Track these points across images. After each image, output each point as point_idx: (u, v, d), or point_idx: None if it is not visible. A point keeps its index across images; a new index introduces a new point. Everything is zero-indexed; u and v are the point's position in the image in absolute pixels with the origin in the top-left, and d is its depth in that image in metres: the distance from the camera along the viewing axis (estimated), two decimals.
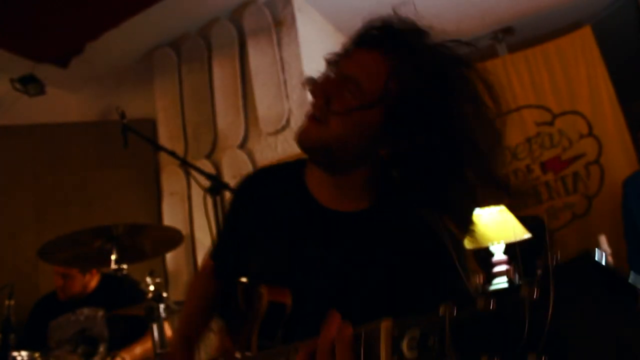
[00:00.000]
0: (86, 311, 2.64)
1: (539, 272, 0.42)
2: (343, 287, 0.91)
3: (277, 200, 1.05)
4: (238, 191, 1.16)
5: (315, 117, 0.94)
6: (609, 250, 2.75)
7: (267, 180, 1.11)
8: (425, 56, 0.90)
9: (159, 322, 2.16)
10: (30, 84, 3.71)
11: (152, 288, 2.47)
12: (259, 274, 1.01)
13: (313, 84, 0.96)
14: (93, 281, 2.78)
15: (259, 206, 1.07)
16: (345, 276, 0.92)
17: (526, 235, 2.70)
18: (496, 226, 2.71)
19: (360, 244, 0.93)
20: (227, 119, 3.61)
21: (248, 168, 3.44)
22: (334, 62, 0.97)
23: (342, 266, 0.93)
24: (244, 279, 1.14)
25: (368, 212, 0.97)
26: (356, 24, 0.97)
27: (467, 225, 0.93)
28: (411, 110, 0.88)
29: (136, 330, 2.57)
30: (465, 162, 0.89)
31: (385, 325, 0.56)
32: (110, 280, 2.75)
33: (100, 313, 2.60)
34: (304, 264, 0.96)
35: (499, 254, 2.64)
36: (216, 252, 1.22)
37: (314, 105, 0.94)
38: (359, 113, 0.89)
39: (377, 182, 0.98)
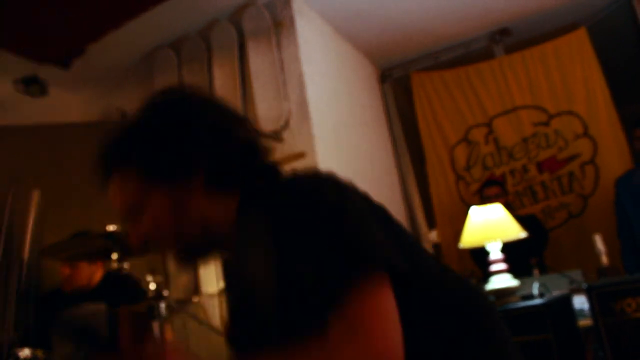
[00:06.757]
0: (90, 306, 2.66)
1: None
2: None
3: None
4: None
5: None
6: (604, 249, 2.76)
7: None
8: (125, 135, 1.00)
9: (160, 320, 2.18)
10: (32, 85, 3.74)
11: (152, 286, 2.50)
12: None
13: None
14: (98, 273, 2.80)
15: None
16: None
17: (522, 234, 2.73)
18: (492, 225, 2.74)
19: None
20: None
21: None
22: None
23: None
24: None
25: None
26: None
27: None
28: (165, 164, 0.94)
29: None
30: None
31: None
32: (113, 278, 2.77)
33: (104, 307, 2.62)
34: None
35: (495, 253, 2.67)
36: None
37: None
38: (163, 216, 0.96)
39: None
